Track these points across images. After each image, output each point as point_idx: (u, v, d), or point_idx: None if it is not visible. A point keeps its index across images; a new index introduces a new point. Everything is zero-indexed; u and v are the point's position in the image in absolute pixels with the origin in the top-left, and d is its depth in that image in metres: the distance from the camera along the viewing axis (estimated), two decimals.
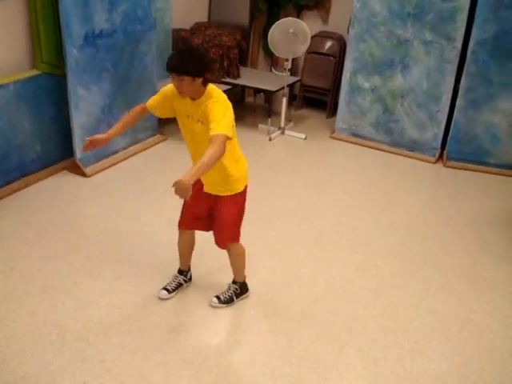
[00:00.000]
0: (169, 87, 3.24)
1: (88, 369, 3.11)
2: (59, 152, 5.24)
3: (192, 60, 3.01)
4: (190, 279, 3.86)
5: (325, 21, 7.26)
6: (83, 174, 5.19)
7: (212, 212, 3.45)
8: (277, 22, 6.22)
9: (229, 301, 3.70)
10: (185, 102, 3.16)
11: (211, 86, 3.14)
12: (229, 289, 3.73)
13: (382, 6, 5.88)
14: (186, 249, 3.75)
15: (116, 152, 5.58)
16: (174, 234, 4.27)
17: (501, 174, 5.90)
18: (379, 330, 3.58)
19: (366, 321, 3.65)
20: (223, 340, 3.46)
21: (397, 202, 5.22)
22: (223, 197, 3.35)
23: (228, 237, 3.52)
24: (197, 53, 3.14)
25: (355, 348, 3.42)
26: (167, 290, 3.73)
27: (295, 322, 3.59)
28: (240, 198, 3.41)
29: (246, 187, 3.40)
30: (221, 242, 3.55)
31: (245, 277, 3.76)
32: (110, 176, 5.30)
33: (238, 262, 3.68)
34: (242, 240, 3.61)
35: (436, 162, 6.12)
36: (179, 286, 3.78)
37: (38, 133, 5.02)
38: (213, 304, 3.67)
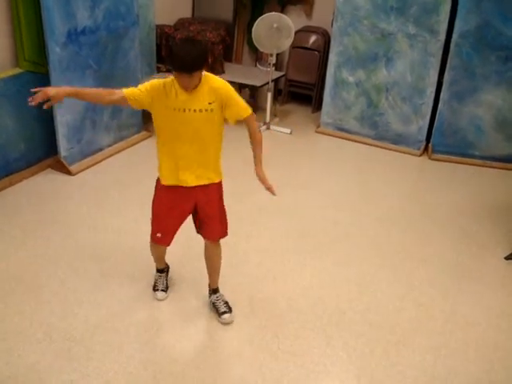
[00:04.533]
0: (156, 84, 3.05)
1: (75, 367, 3.11)
2: (43, 150, 5.22)
3: (201, 54, 2.94)
4: (169, 268, 3.83)
5: (309, 15, 7.26)
6: (68, 172, 5.17)
7: (198, 209, 3.34)
8: (261, 17, 6.21)
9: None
10: (177, 94, 3.01)
11: None
12: (218, 299, 3.62)
13: (365, 0, 5.88)
14: (163, 253, 3.66)
15: (101, 149, 5.56)
16: None
17: (485, 166, 5.94)
18: (365, 323, 3.60)
19: (351, 314, 3.67)
20: (210, 336, 3.46)
21: (382, 195, 5.24)
22: (212, 186, 3.28)
23: (224, 228, 3.46)
24: (201, 45, 3.01)
25: (341, 341, 3.44)
26: (163, 290, 3.70)
27: (281, 317, 3.61)
28: (221, 184, 3.38)
29: None
30: (217, 235, 3.44)
31: None
32: (95, 173, 5.29)
33: (219, 261, 3.57)
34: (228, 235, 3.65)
35: (421, 155, 6.14)
36: (167, 284, 3.77)
37: (22, 131, 4.99)
38: (229, 320, 3.55)
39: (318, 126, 6.69)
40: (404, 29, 5.84)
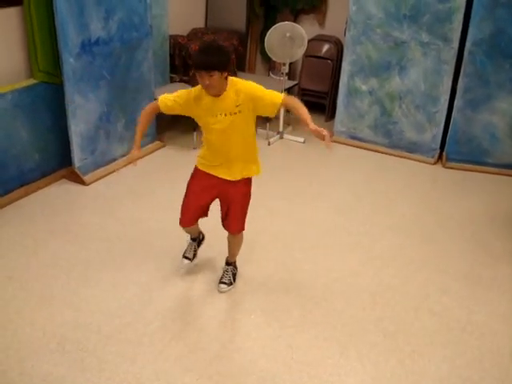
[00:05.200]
0: (191, 92, 3.31)
1: (88, 378, 3.11)
2: (58, 161, 5.24)
3: (219, 55, 3.11)
4: (204, 238, 4.10)
5: (321, 24, 7.26)
6: (82, 182, 5.19)
7: (226, 204, 3.60)
8: (273, 27, 6.22)
9: (232, 282, 3.91)
10: (206, 102, 3.24)
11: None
12: (227, 271, 3.92)
13: (378, 9, 5.88)
14: (194, 229, 3.91)
15: (114, 159, 5.58)
16: (173, 241, 4.29)
17: (500, 174, 5.89)
18: (379, 332, 3.57)
19: (365, 324, 3.64)
20: (223, 346, 3.43)
21: (395, 204, 5.21)
22: (243, 180, 3.51)
23: (243, 223, 3.70)
24: (221, 48, 3.24)
25: (356, 351, 3.41)
26: (188, 258, 3.97)
27: (295, 327, 3.59)
28: (251, 183, 3.62)
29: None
30: (237, 229, 3.71)
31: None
32: (108, 184, 5.30)
33: (239, 244, 3.85)
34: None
35: (435, 163, 6.11)
36: (196, 252, 4.03)
37: (36, 142, 5.02)
38: (223, 290, 3.85)
39: (332, 135, 6.66)
40: (417, 37, 5.82)
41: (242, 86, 3.26)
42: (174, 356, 3.30)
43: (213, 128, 3.30)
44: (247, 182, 3.56)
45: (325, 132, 3.04)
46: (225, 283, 3.87)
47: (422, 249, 4.52)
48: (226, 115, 3.23)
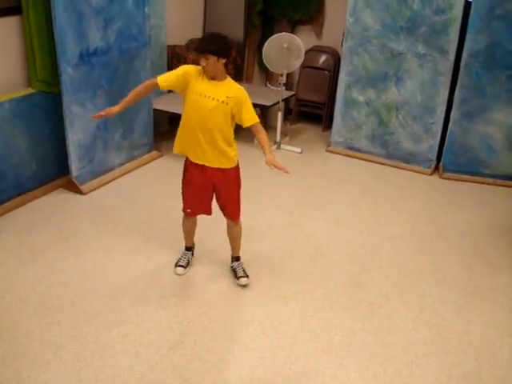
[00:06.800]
0: (191, 67, 3.60)
1: None
2: (55, 170, 5.24)
3: (216, 42, 3.47)
4: (193, 254, 4.25)
5: (319, 35, 7.30)
6: (79, 192, 5.18)
7: (217, 191, 3.81)
8: (271, 38, 6.25)
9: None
10: (202, 82, 3.52)
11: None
12: (239, 266, 4.10)
13: (375, 20, 5.92)
14: (192, 228, 4.11)
15: (112, 169, 5.58)
16: (172, 251, 4.28)
17: (496, 185, 5.93)
18: (377, 343, 3.56)
19: (364, 335, 3.64)
20: (220, 357, 3.42)
21: (393, 214, 5.22)
22: (229, 169, 3.72)
23: (239, 209, 3.91)
24: (221, 36, 3.56)
25: (354, 362, 3.40)
26: (182, 266, 4.12)
27: (293, 337, 3.57)
28: (239, 171, 3.83)
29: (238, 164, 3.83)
30: (236, 215, 3.92)
31: None
32: (106, 193, 5.30)
33: (239, 236, 4.05)
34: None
35: (432, 174, 6.13)
36: (189, 261, 4.18)
37: (34, 151, 5.02)
38: (246, 282, 4.02)
39: (329, 145, 6.69)
40: (413, 48, 5.85)
41: (239, 88, 3.59)
42: (171, 367, 3.28)
43: (195, 105, 3.53)
44: (235, 172, 3.79)
45: (280, 166, 3.63)
46: (244, 276, 4.04)
47: (419, 259, 4.53)
48: (213, 99, 3.50)
